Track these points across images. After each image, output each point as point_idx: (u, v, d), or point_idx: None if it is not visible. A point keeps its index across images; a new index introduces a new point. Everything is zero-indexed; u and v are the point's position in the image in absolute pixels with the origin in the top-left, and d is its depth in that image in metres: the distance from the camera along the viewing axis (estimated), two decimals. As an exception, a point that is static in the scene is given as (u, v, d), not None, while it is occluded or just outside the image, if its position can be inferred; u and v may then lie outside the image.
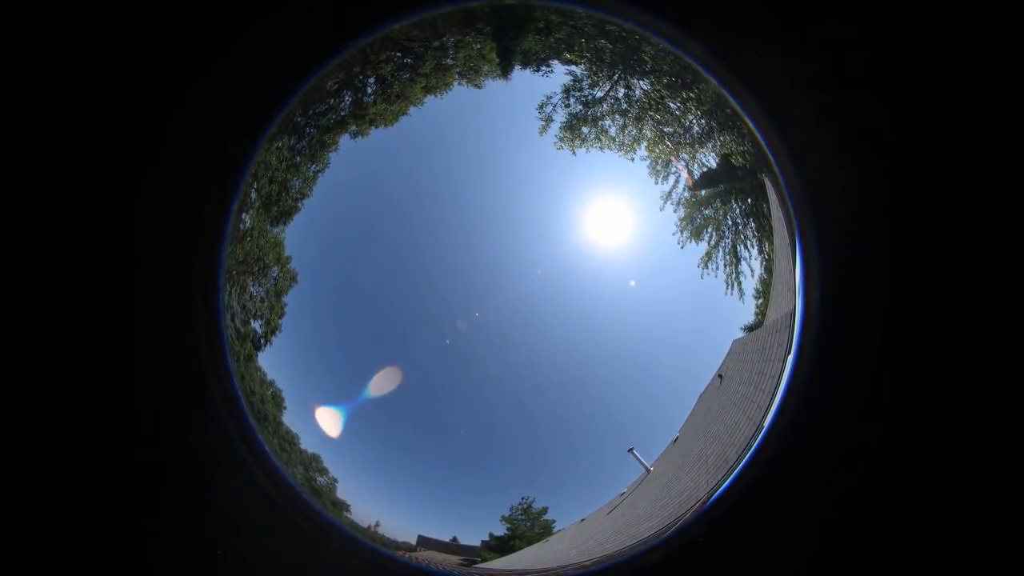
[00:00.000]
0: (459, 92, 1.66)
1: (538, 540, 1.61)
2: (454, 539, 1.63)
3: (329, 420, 1.55)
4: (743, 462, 1.58)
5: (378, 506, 1.62)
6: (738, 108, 1.63)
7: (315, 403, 1.60)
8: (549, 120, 1.62)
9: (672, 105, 1.68)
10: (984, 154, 1.40)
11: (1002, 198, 1.39)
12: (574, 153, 1.61)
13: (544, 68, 1.66)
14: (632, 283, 1.58)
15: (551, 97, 1.63)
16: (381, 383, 1.52)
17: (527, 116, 1.62)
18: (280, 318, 1.61)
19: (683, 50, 1.63)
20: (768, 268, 1.64)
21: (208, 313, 1.59)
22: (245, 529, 1.60)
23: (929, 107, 1.43)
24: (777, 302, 1.62)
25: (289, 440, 1.60)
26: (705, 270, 1.61)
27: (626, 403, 1.60)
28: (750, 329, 1.64)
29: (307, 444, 1.60)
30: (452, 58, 1.68)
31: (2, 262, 1.38)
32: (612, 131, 1.64)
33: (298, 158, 1.64)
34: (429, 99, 1.65)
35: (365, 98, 1.66)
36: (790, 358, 1.58)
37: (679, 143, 1.66)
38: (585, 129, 1.63)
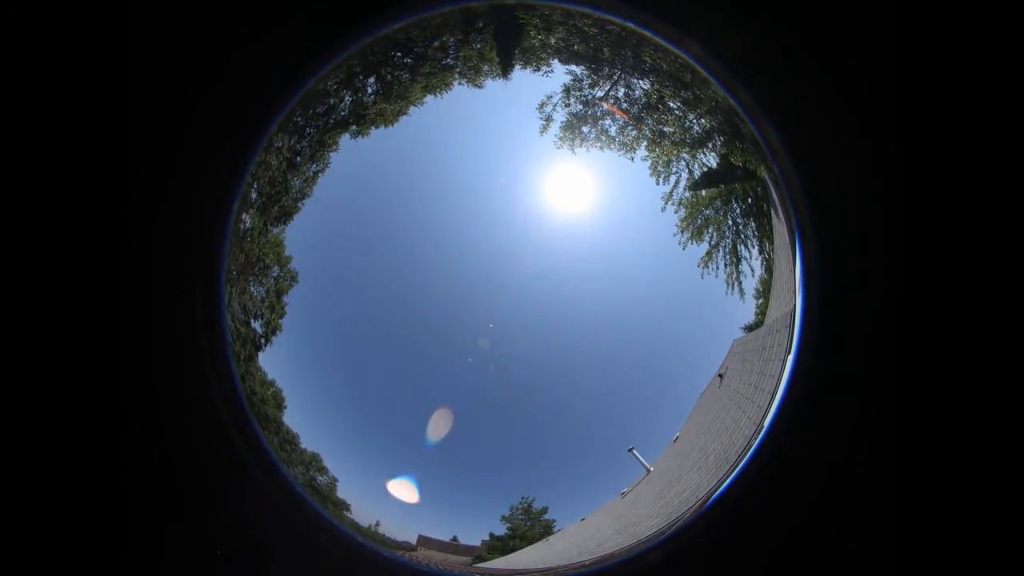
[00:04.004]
0: (459, 92, 1.66)
1: (538, 540, 1.61)
2: (454, 539, 1.63)
3: (404, 490, 1.56)
4: (743, 462, 1.58)
5: (378, 506, 1.62)
6: (737, 107, 1.63)
7: (315, 403, 1.60)
8: (549, 120, 1.62)
9: (672, 105, 1.68)
10: (985, 152, 1.40)
11: (1003, 197, 1.39)
12: (574, 152, 1.61)
13: (544, 68, 1.66)
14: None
15: (551, 96, 1.63)
16: (437, 426, 1.52)
17: (527, 115, 1.62)
18: (280, 318, 1.62)
19: (680, 47, 1.63)
20: (768, 268, 1.64)
21: (208, 313, 1.59)
22: (245, 529, 1.60)
23: (929, 106, 1.43)
24: (777, 302, 1.62)
25: (289, 440, 1.60)
26: (705, 270, 1.61)
27: (626, 403, 1.60)
28: (750, 329, 1.64)
29: (307, 444, 1.60)
30: (452, 58, 1.68)
31: (2, 263, 1.38)
32: (612, 131, 1.64)
33: (298, 158, 1.64)
34: (429, 99, 1.65)
35: (365, 98, 1.66)
36: (790, 358, 1.58)
37: (679, 143, 1.65)
38: (585, 128, 1.63)
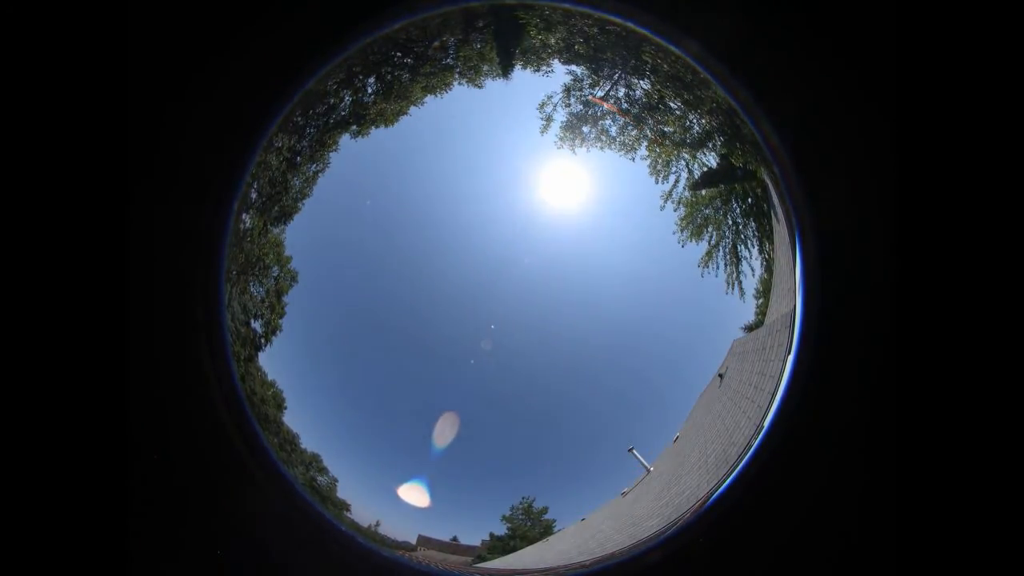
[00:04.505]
0: (459, 92, 1.66)
1: (538, 540, 1.61)
2: (454, 539, 1.63)
3: (414, 494, 1.55)
4: (743, 462, 1.58)
5: (378, 506, 1.62)
6: (737, 108, 1.63)
7: (315, 403, 1.60)
8: (549, 120, 1.62)
9: (672, 105, 1.68)
10: (985, 153, 1.40)
11: (1003, 198, 1.39)
12: (574, 152, 1.61)
13: (544, 68, 1.65)
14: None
15: (551, 96, 1.63)
16: (442, 433, 1.52)
17: (527, 115, 1.62)
18: (280, 318, 1.61)
19: (680, 47, 1.63)
20: (768, 268, 1.64)
21: (208, 313, 1.59)
22: (245, 530, 1.60)
23: (928, 106, 1.43)
24: (777, 302, 1.62)
25: (290, 440, 1.60)
26: (705, 270, 1.61)
27: (626, 403, 1.60)
28: (750, 329, 1.64)
29: (307, 444, 1.60)
30: (452, 58, 1.68)
31: (2, 263, 1.38)
32: (612, 131, 1.64)
33: (298, 158, 1.63)
34: (429, 99, 1.65)
35: (365, 98, 1.66)
36: (790, 358, 1.58)
37: (679, 143, 1.65)
38: (585, 128, 1.63)
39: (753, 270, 1.63)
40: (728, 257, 1.63)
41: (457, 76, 1.66)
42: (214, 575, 1.60)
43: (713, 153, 1.67)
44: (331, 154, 1.64)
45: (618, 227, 1.61)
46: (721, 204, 1.66)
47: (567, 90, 1.64)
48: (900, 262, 1.45)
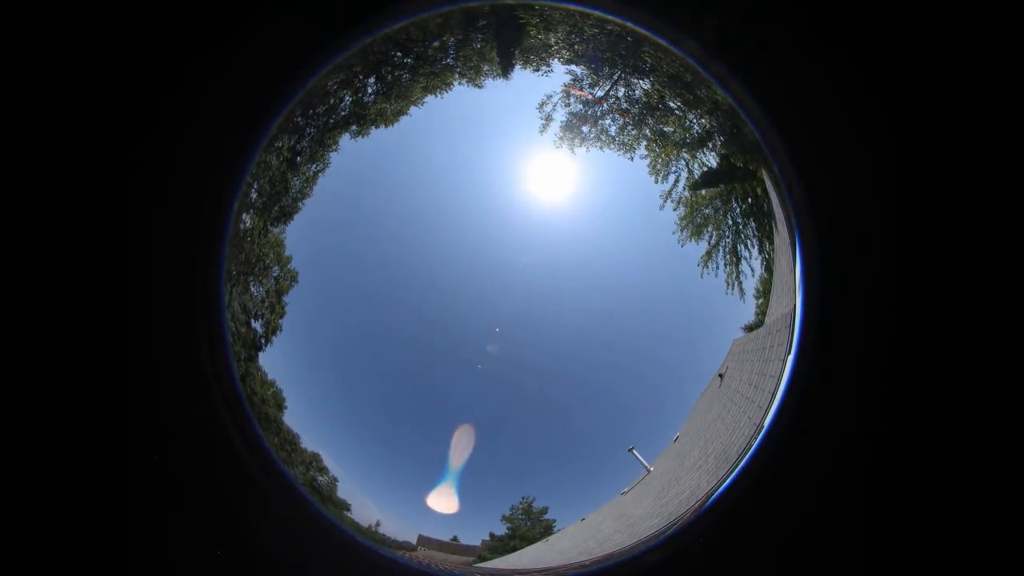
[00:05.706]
0: (459, 91, 1.66)
1: (538, 540, 1.61)
2: (454, 539, 1.63)
3: (443, 500, 1.55)
4: (743, 462, 1.58)
5: (378, 506, 1.62)
6: (737, 108, 1.63)
7: (316, 403, 1.60)
8: (549, 119, 1.62)
9: (672, 105, 1.68)
10: (984, 153, 1.41)
11: (1003, 198, 1.39)
12: (574, 152, 1.61)
13: (544, 68, 1.66)
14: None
15: (551, 96, 1.63)
16: (459, 445, 1.52)
17: (527, 115, 1.62)
18: (280, 318, 1.61)
19: (680, 47, 1.63)
20: (768, 268, 1.64)
21: (208, 313, 1.59)
22: (245, 530, 1.60)
23: (929, 105, 1.43)
24: (777, 302, 1.62)
25: (290, 440, 1.60)
26: (705, 270, 1.61)
27: (626, 403, 1.60)
28: (750, 329, 1.64)
29: (308, 444, 1.60)
30: (452, 58, 1.68)
31: (1, 262, 1.38)
32: (612, 130, 1.64)
33: (298, 158, 1.63)
34: (429, 99, 1.65)
35: (365, 98, 1.66)
36: (790, 358, 1.58)
37: (679, 143, 1.65)
38: (585, 128, 1.63)
39: (753, 270, 1.63)
40: (728, 257, 1.63)
41: (457, 76, 1.66)
42: (213, 575, 1.60)
43: (713, 153, 1.67)
44: (331, 154, 1.64)
45: (618, 227, 1.61)
46: (721, 204, 1.66)
47: (567, 90, 1.64)
48: (900, 262, 1.45)
